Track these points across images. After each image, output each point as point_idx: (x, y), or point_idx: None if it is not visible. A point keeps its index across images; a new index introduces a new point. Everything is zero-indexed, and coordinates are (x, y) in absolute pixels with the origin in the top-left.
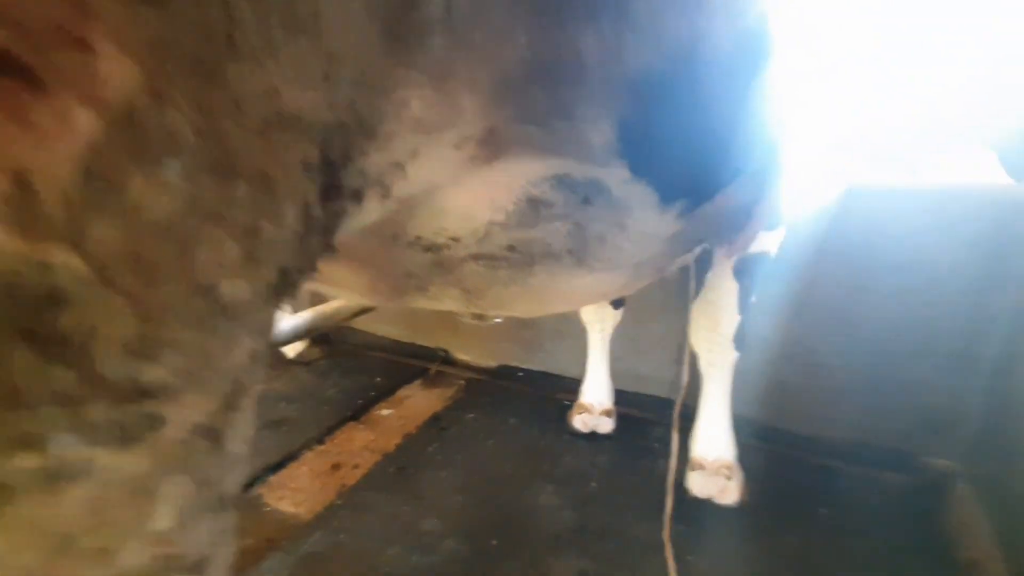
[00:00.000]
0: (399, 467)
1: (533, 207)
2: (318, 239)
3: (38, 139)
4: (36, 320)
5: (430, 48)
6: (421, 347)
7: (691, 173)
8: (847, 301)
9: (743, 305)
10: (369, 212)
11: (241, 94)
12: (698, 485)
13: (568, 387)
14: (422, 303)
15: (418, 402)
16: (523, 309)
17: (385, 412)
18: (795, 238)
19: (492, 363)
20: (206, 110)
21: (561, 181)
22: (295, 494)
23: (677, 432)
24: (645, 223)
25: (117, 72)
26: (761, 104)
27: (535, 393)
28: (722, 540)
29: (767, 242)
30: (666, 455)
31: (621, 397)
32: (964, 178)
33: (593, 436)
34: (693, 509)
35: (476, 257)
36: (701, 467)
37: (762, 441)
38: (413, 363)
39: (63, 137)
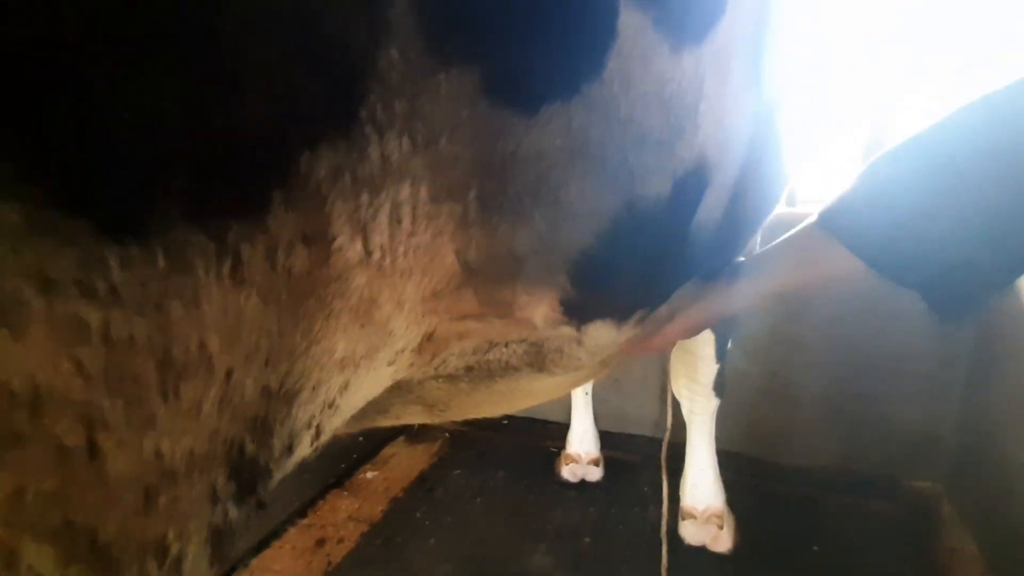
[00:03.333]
0: (386, 537)
1: (486, 341)
2: (240, 521)
3: None
4: None
5: (351, 292)
6: None
7: (642, 297)
8: (818, 333)
9: (720, 354)
10: (303, 451)
11: (114, 488)
12: (691, 534)
13: (554, 433)
14: (386, 423)
15: (403, 461)
16: (490, 411)
17: (369, 475)
18: None
19: None
20: (65, 539)
21: None
22: None
23: (666, 481)
24: (602, 337)
25: None
26: (714, 212)
27: (521, 442)
28: None
29: None
30: (656, 501)
31: (607, 439)
32: None
33: (583, 485)
34: (689, 559)
35: (435, 378)
36: (692, 516)
37: (749, 476)
38: None
39: None
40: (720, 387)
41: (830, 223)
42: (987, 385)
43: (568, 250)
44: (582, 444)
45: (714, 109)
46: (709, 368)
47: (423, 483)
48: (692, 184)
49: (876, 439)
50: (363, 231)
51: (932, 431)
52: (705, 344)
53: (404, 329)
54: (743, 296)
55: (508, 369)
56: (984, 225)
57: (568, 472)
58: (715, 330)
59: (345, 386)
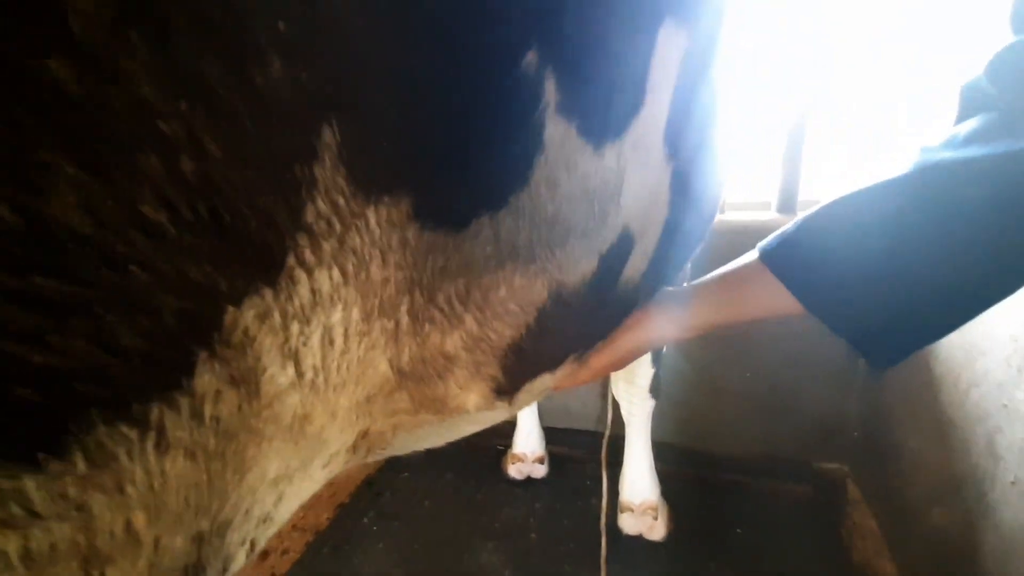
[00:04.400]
0: (333, 546)
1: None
2: None
3: None
4: None
5: (284, 414)
6: None
7: (575, 347)
8: (743, 332)
9: (655, 359)
10: (238, 565)
11: None
12: (629, 525)
13: (500, 431)
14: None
15: (349, 466)
16: (434, 443)
17: None
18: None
19: None
20: None
21: None
22: None
23: (606, 477)
24: (536, 386)
25: None
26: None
27: (468, 442)
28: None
29: None
30: (598, 494)
31: (552, 435)
32: None
33: (529, 482)
34: (627, 547)
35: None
36: (630, 509)
37: (681, 465)
38: None
39: None
40: (656, 390)
41: (773, 261)
42: (883, 379)
43: (499, 345)
44: (527, 443)
45: (635, 189)
46: (645, 372)
47: (370, 488)
48: (616, 255)
49: (792, 427)
50: (295, 357)
51: (839, 419)
52: None
53: (338, 435)
54: (674, 328)
55: None
56: (928, 282)
57: (515, 471)
58: None
59: (279, 499)
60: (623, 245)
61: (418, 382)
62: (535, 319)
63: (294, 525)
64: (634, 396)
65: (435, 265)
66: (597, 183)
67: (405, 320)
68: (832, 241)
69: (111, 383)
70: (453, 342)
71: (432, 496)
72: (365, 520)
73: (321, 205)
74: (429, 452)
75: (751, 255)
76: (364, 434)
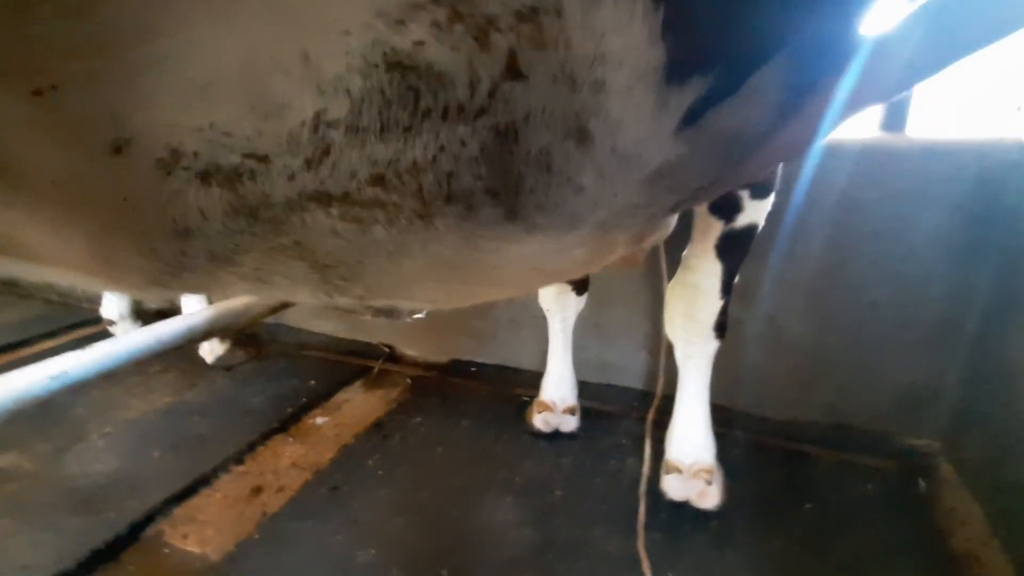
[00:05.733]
0: (332, 486)
1: (404, 78)
2: None
3: None
4: None
5: None
6: (363, 343)
7: (714, 34)
8: (819, 276)
9: (726, 288)
10: None
11: None
12: (674, 488)
13: (527, 381)
14: (232, 288)
15: (358, 407)
16: (431, 296)
17: (319, 420)
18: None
19: (443, 358)
20: None
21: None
22: (203, 529)
23: (651, 439)
24: (626, 132)
25: None
26: None
27: (490, 390)
28: (704, 549)
29: (756, 213)
30: (635, 453)
31: (585, 389)
32: (946, 134)
33: (556, 436)
34: (669, 515)
35: (319, 199)
36: (677, 470)
37: (736, 429)
38: (353, 362)
39: None
40: (722, 328)
41: None
42: (999, 338)
43: None
44: (558, 391)
45: None
46: (711, 304)
47: (378, 430)
48: None
49: (872, 393)
50: None
51: (933, 386)
52: (709, 275)
53: None
54: None
55: (455, 201)
56: None
57: (541, 421)
58: (722, 260)
59: None
60: None
61: None
62: None
63: (293, 463)
64: (694, 335)
65: None
66: None
67: None
68: None
69: None
70: None
71: (446, 443)
72: (370, 462)
73: None
74: (446, 398)
75: None
76: None
